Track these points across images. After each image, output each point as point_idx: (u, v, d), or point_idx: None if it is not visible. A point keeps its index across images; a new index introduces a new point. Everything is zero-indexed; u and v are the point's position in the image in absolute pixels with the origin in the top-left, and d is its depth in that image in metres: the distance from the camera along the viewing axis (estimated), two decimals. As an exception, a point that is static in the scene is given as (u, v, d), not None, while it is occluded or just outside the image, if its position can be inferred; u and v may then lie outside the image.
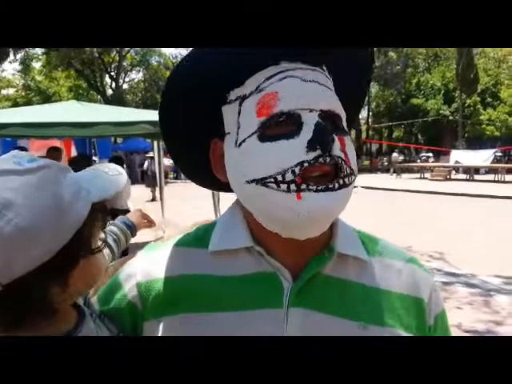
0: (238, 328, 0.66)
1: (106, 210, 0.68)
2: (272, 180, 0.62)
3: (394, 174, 25.39)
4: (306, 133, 0.61)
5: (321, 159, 0.60)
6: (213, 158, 0.73)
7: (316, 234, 0.65)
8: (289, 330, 0.65)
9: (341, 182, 0.62)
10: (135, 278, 0.74)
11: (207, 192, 6.83)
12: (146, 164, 18.27)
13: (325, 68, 0.69)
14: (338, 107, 0.67)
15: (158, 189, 14.53)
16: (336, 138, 0.63)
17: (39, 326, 0.63)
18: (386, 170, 29.76)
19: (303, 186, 0.60)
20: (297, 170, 0.60)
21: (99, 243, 0.68)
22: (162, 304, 0.70)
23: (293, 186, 0.60)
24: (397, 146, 35.30)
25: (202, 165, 0.76)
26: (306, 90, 0.64)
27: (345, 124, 0.68)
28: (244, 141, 0.65)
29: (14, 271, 0.57)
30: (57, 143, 10.43)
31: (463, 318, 4.53)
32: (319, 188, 0.60)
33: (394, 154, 29.21)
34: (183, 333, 0.67)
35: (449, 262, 6.73)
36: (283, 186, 0.61)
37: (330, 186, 0.61)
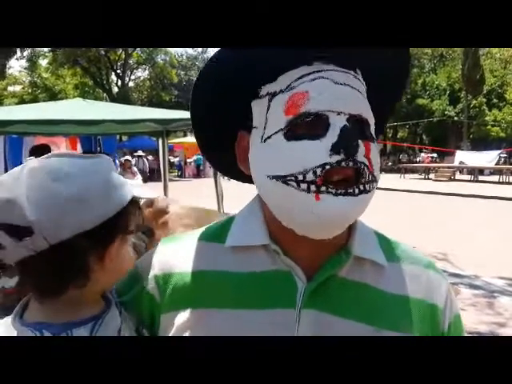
0: (250, 326, 0.66)
1: (139, 206, 0.77)
2: (293, 178, 0.62)
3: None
4: (332, 135, 0.61)
5: (343, 163, 0.60)
6: (238, 150, 0.74)
7: (331, 235, 0.65)
8: (300, 331, 0.65)
9: (361, 187, 0.62)
10: (153, 270, 0.75)
11: (211, 191, 6.75)
12: (133, 161, 18.58)
13: (358, 72, 0.69)
14: (367, 113, 0.66)
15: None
16: (361, 143, 0.63)
17: (69, 305, 0.69)
18: (390, 170, 29.66)
19: (323, 188, 0.61)
20: (318, 171, 0.61)
21: (132, 228, 0.75)
22: (178, 297, 0.71)
23: (313, 187, 0.61)
24: (401, 146, 35.17)
25: (228, 156, 0.76)
26: (336, 92, 0.64)
27: (373, 130, 0.68)
28: (270, 137, 0.65)
29: (63, 232, 0.65)
30: (62, 140, 10.46)
31: (466, 319, 4.51)
32: (338, 192, 0.61)
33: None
34: (198, 327, 0.68)
35: (452, 262, 6.70)
36: (303, 186, 0.61)
37: (350, 191, 0.61)
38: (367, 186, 0.63)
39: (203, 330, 0.68)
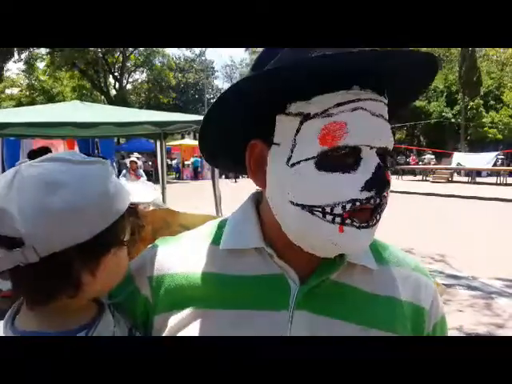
0: (243, 327, 0.67)
1: (137, 213, 0.74)
2: (320, 210, 0.62)
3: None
4: (364, 171, 0.61)
5: (372, 200, 0.61)
6: (249, 158, 0.70)
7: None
8: (293, 332, 0.66)
9: (378, 217, 0.64)
10: (146, 271, 0.75)
11: (209, 193, 6.75)
12: (139, 163, 18.49)
13: (386, 96, 0.66)
14: (391, 143, 0.65)
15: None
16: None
17: (60, 313, 0.68)
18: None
19: (348, 221, 0.61)
20: (348, 206, 0.61)
21: (127, 238, 0.73)
22: (172, 299, 0.71)
23: (338, 219, 0.61)
24: (399, 147, 35.22)
25: (233, 158, 0.76)
26: (373, 126, 0.62)
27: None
28: (299, 163, 0.63)
29: (54, 245, 0.62)
30: (60, 143, 10.46)
31: (464, 320, 4.53)
32: (362, 225, 0.62)
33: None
34: (191, 328, 0.68)
35: (450, 264, 6.71)
36: (329, 217, 0.62)
37: (371, 224, 0.63)
38: (381, 214, 0.65)
39: (196, 331, 0.68)
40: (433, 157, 30.06)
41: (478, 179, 23.09)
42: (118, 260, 0.71)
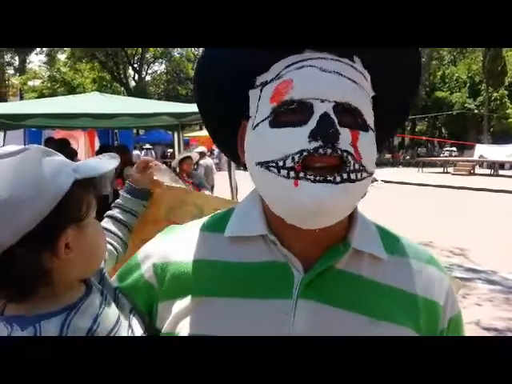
0: (246, 316, 0.67)
1: (95, 186, 0.74)
2: (274, 165, 0.63)
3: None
4: (313, 123, 0.61)
5: (321, 150, 0.60)
6: (239, 140, 0.75)
7: (318, 225, 0.64)
8: (296, 321, 0.66)
9: (344, 176, 0.61)
10: (152, 259, 0.76)
11: (226, 184, 6.70)
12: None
13: (356, 60, 0.68)
14: (358, 101, 0.65)
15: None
16: (346, 131, 0.62)
17: (44, 298, 0.68)
18: (408, 164, 29.36)
19: (301, 175, 0.60)
20: (296, 157, 0.61)
21: (87, 213, 0.72)
22: (176, 286, 0.72)
23: (292, 173, 0.61)
24: (420, 139, 34.74)
25: (234, 144, 0.78)
26: (321, 79, 0.63)
27: (368, 119, 0.66)
28: (258, 125, 0.67)
29: (2, 242, 0.63)
30: (81, 134, 10.62)
31: (482, 314, 4.47)
32: (317, 179, 0.60)
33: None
34: (194, 316, 0.69)
35: (469, 257, 6.62)
36: (283, 172, 0.62)
37: (329, 179, 0.60)
38: (352, 175, 0.62)
39: (199, 318, 0.69)
40: (454, 149, 29.58)
41: (501, 172, 22.57)
42: (86, 235, 0.71)
